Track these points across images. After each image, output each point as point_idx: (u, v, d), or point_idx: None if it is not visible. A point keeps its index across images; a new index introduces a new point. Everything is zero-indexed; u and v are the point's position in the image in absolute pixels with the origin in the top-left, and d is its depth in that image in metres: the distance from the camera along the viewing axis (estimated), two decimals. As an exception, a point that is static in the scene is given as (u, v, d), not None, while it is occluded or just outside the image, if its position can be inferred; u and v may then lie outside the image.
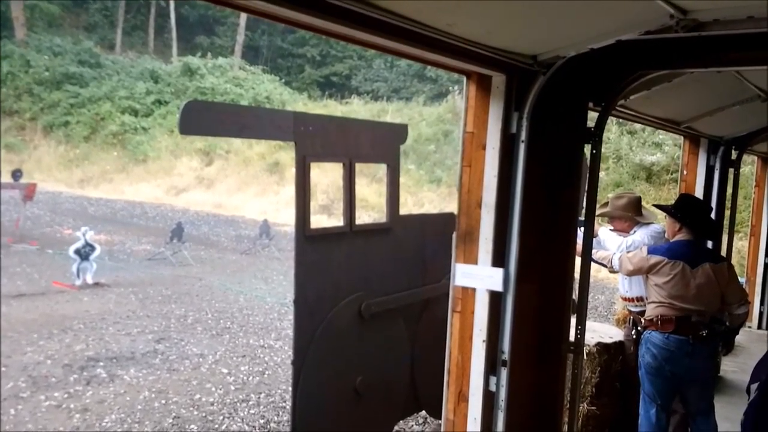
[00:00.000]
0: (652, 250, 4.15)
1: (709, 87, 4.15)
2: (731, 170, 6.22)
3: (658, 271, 4.04)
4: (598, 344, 4.75)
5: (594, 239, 4.61)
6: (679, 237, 4.14)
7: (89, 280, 11.17)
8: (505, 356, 2.97)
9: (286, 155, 22.72)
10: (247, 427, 5.92)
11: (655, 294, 4.08)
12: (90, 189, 23.80)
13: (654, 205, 5.34)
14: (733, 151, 6.16)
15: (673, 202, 4.49)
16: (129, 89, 27.90)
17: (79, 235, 11.59)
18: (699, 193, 5.90)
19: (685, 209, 4.17)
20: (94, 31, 33.25)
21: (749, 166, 10.68)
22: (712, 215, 4.79)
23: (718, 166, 6.00)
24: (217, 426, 5.92)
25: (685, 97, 4.36)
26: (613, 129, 18.06)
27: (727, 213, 6.34)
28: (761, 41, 2.59)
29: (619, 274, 4.58)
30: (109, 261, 12.84)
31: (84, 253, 11.25)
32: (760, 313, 8.44)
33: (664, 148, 17.67)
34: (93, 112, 27.01)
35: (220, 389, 6.80)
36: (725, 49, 2.78)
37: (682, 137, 6.12)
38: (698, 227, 4.13)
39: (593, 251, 4.14)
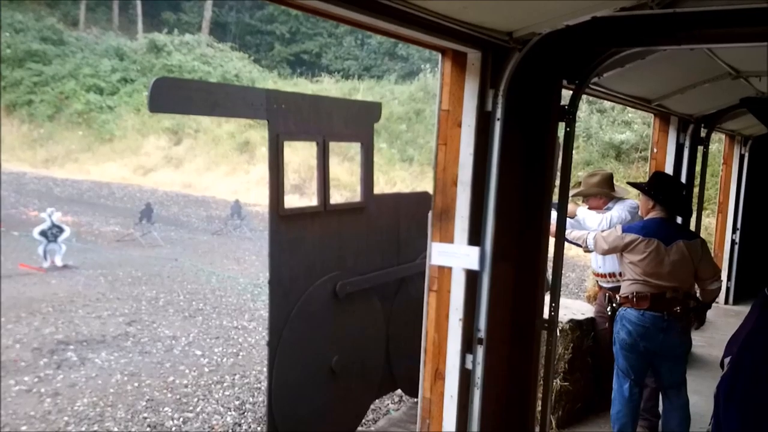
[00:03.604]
0: (626, 229, 4.18)
1: (681, 65, 4.18)
2: (700, 148, 6.30)
3: (633, 249, 4.08)
4: (571, 321, 4.81)
5: (573, 219, 4.65)
6: (652, 215, 4.18)
7: (58, 262, 10.96)
8: (481, 334, 2.98)
9: (257, 134, 22.49)
10: (222, 409, 5.89)
11: (630, 271, 4.12)
12: (55, 169, 23.29)
13: (628, 183, 5.37)
14: (702, 129, 6.24)
15: (645, 179, 4.53)
16: (94, 67, 27.23)
17: (44, 217, 11.35)
18: (669, 170, 5.97)
19: (658, 187, 4.20)
20: (57, 7, 32.24)
21: (717, 144, 10.86)
22: (685, 192, 4.83)
23: (687, 144, 6.07)
24: (191, 408, 5.89)
25: (658, 75, 4.38)
26: (583, 107, 18.19)
27: (696, 190, 6.44)
28: (734, 18, 2.61)
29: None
30: (76, 243, 12.62)
31: (51, 235, 11.02)
32: (727, 289, 8.64)
33: (633, 127, 17.88)
34: (57, 91, 26.34)
35: (194, 371, 6.75)
36: (699, 26, 2.79)
37: (651, 115, 6.17)
38: (671, 204, 4.17)
39: (568, 231, 4.21)
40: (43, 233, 11.01)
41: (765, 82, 4.83)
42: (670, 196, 4.17)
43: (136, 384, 6.35)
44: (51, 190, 19.54)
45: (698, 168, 6.35)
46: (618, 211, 4.65)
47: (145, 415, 5.72)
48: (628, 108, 11.37)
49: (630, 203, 4.76)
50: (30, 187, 19.60)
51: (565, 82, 3.49)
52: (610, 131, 18.18)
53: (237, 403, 6.02)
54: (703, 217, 6.89)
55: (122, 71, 27.34)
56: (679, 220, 4.97)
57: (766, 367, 1.19)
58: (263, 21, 34.75)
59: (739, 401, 1.22)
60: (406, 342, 4.51)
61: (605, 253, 4.34)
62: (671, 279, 4.03)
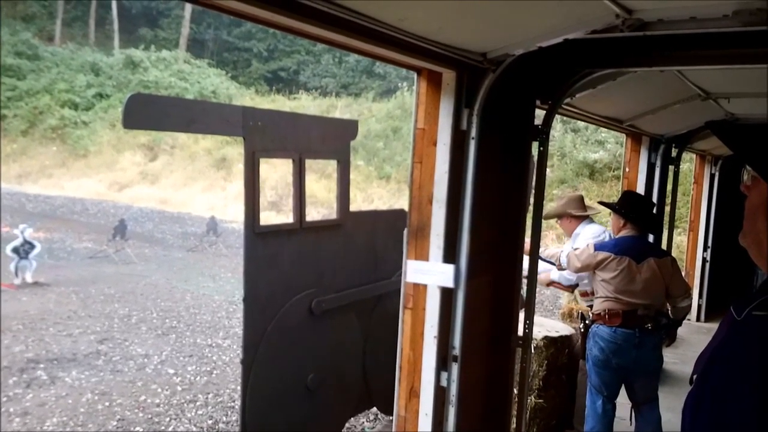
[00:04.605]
0: (598, 247, 4.24)
1: (652, 86, 4.26)
2: (671, 167, 6.42)
3: (605, 267, 4.15)
4: (545, 338, 4.84)
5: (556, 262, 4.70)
6: (624, 233, 4.25)
7: (29, 278, 10.78)
8: (456, 351, 2.98)
9: (234, 150, 22.41)
10: (194, 428, 5.81)
11: (603, 289, 4.18)
12: (28, 185, 22.98)
13: (599, 202, 5.47)
14: (673, 149, 6.36)
15: (616, 197, 4.63)
16: (69, 82, 27.05)
17: (17, 233, 11.17)
18: (641, 189, 6.06)
19: (628, 205, 4.28)
20: (33, 22, 32.03)
21: (688, 163, 11.05)
22: (654, 210, 4.94)
23: (659, 163, 6.18)
24: (163, 427, 5.80)
25: (629, 96, 4.47)
26: (557, 127, 18.44)
27: (668, 209, 6.55)
28: (703, 41, 2.67)
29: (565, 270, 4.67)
30: (48, 259, 12.43)
31: (23, 252, 10.84)
32: (699, 306, 8.75)
33: (607, 146, 18.13)
34: (31, 106, 26.09)
35: (167, 390, 6.66)
36: (668, 48, 2.86)
37: (624, 135, 6.28)
38: (642, 222, 4.25)
39: (542, 249, 4.29)
40: (15, 250, 10.83)
41: (733, 103, 4.95)
42: (640, 214, 4.25)
43: (107, 403, 6.24)
44: (23, 206, 19.25)
45: (670, 187, 6.46)
46: (584, 240, 4.73)
47: (117, 434, 5.63)
48: (601, 128, 11.54)
49: (594, 231, 4.86)
50: (2, 202, 19.25)
51: (538, 102, 3.54)
52: (584, 150, 18.43)
53: (210, 422, 5.94)
54: (675, 235, 7.00)
55: (98, 87, 27.18)
56: (651, 238, 5.05)
57: (732, 382, 1.21)
58: (241, 38, 34.78)
59: (706, 417, 1.23)
60: (382, 359, 4.50)
61: (578, 270, 4.39)
62: (643, 296, 4.10)
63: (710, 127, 1.29)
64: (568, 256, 4.39)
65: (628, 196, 4.56)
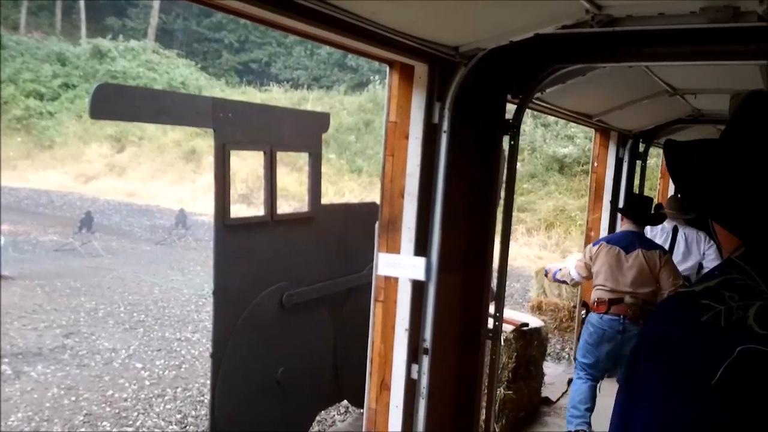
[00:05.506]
0: (596, 243, 4.69)
1: (621, 82, 4.32)
2: (639, 162, 6.52)
3: (596, 257, 4.56)
4: (515, 330, 4.89)
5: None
6: (624, 227, 4.71)
7: (-10, 272, 10.55)
8: (427, 344, 3.00)
9: (203, 142, 22.15)
10: (163, 423, 5.75)
11: (595, 279, 4.58)
12: (-9, 176, 22.44)
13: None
14: (641, 144, 6.46)
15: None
16: (34, 72, 26.42)
17: (-21, 225, 10.93)
18: (609, 184, 6.16)
19: (627, 204, 4.87)
20: (-5, 9, 31.26)
21: (655, 158, 11.24)
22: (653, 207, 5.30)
23: (626, 158, 6.28)
24: (131, 422, 5.73)
25: (598, 91, 4.53)
26: (528, 121, 18.60)
27: (635, 203, 6.62)
28: (671, 38, 2.72)
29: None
30: (13, 252, 12.15)
31: (-14, 245, 10.61)
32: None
33: (576, 141, 18.35)
34: (-6, 96, 25.46)
35: (134, 384, 6.58)
36: (637, 44, 2.90)
37: (593, 130, 6.35)
38: (636, 218, 4.64)
39: (556, 270, 4.92)
40: (-23, 242, 10.60)
41: (699, 99, 5.04)
42: (635, 211, 4.67)
43: (73, 398, 6.15)
44: (-14, 198, 18.81)
45: (637, 182, 6.56)
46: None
47: (83, 429, 5.55)
48: (571, 123, 11.69)
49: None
50: (-37, 194, 18.84)
51: (509, 97, 3.57)
52: (553, 145, 18.62)
53: (179, 416, 5.89)
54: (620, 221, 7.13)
55: (64, 77, 26.62)
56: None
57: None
58: (211, 29, 34.37)
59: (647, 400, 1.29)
60: (353, 353, 4.50)
61: (586, 271, 4.68)
62: (629, 285, 4.41)
63: (666, 146, 1.37)
64: (575, 267, 4.78)
65: (628, 196, 5.13)
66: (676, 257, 5.40)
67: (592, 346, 4.53)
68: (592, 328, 4.52)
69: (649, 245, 4.59)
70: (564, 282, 5.00)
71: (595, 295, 4.54)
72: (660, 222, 5.15)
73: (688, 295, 1.24)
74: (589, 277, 4.71)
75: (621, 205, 5.07)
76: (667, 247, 5.37)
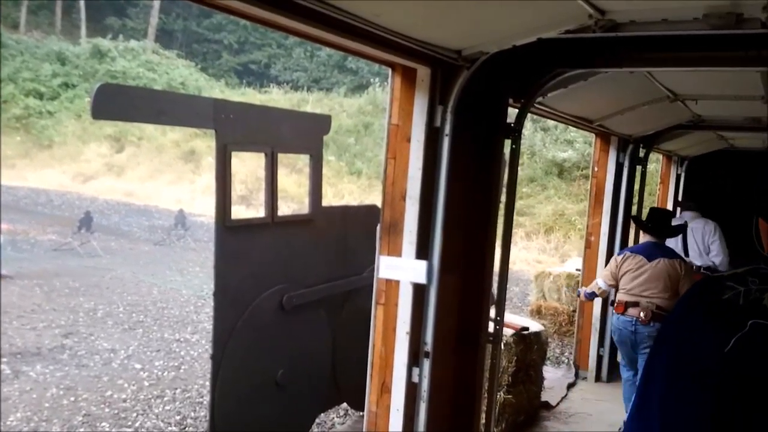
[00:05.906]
0: (620, 252, 5.13)
1: (622, 87, 4.33)
2: (639, 167, 6.52)
3: (621, 265, 4.89)
4: (515, 334, 4.89)
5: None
6: (646, 239, 5.02)
7: (-11, 271, 10.53)
8: (428, 347, 3.00)
9: (203, 143, 22.14)
10: (162, 424, 5.74)
11: (620, 284, 4.89)
12: (-10, 175, 22.41)
13: (630, 217, 6.21)
14: (641, 149, 6.46)
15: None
16: (34, 71, 26.41)
17: (-23, 225, 10.91)
18: (609, 188, 6.16)
19: (650, 218, 5.13)
20: (-5, 9, 31.24)
21: (655, 163, 11.25)
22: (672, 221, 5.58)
23: (626, 163, 6.28)
24: (130, 423, 5.72)
25: (599, 96, 4.53)
26: (528, 125, 18.59)
27: (635, 208, 6.65)
28: (672, 44, 2.72)
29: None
30: (11, 251, 12.14)
31: (-16, 244, 10.60)
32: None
33: (575, 145, 18.36)
34: (-7, 95, 25.43)
35: (133, 385, 6.56)
36: (639, 50, 2.91)
37: (593, 135, 6.36)
38: (657, 232, 4.94)
39: (586, 291, 5.21)
40: (-25, 241, 10.58)
41: (701, 105, 5.05)
42: (657, 225, 4.98)
43: (72, 398, 6.13)
44: (-16, 197, 18.78)
45: (637, 186, 6.57)
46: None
47: (82, 430, 5.53)
48: (571, 127, 11.69)
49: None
50: (-38, 193, 18.81)
51: (511, 101, 3.57)
52: (553, 149, 18.63)
53: (178, 418, 5.88)
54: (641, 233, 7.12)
55: (64, 76, 26.61)
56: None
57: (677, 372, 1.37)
58: (211, 29, 34.37)
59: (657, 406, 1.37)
60: (352, 355, 4.50)
61: (613, 280, 4.95)
62: (647, 289, 4.72)
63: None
64: (602, 276, 5.11)
65: (651, 211, 5.33)
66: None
67: (618, 345, 4.99)
68: (613, 328, 4.97)
69: (671, 254, 4.88)
70: (594, 295, 5.22)
71: (618, 298, 4.91)
72: (678, 234, 5.51)
73: (716, 279, 1.45)
74: (615, 285, 4.95)
75: (619, 209, 5.42)
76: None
